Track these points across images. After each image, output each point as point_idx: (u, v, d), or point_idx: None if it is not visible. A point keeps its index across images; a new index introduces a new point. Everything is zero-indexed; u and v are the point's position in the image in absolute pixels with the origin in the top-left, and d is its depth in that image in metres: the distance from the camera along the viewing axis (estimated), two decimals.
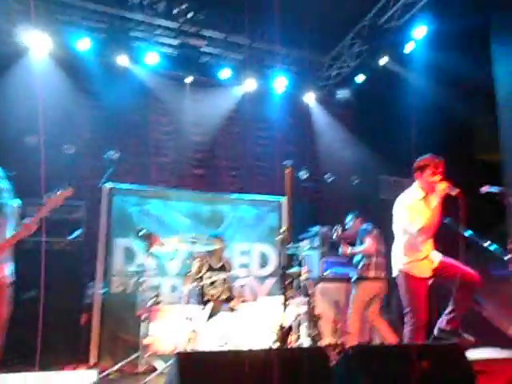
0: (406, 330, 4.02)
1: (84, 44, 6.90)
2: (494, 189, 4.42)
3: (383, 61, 8.03)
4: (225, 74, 7.98)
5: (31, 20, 6.44)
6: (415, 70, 8.36)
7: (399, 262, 4.18)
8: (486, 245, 6.87)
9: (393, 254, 4.31)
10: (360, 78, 8.38)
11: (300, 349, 3.91)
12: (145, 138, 7.81)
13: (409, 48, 7.81)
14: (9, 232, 3.77)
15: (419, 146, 9.01)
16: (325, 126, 8.74)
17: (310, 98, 8.75)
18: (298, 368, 2.72)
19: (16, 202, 3.90)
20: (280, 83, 8.29)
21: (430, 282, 4.18)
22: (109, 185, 6.64)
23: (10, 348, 4.02)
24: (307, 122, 8.78)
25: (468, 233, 7.33)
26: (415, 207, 4.12)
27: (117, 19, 6.99)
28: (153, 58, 7.39)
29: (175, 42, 7.56)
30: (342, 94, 8.63)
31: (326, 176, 8.06)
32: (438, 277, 4.19)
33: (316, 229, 6.82)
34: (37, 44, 6.73)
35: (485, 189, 4.41)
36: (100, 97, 7.26)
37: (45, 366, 4.62)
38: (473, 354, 3.17)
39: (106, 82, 7.15)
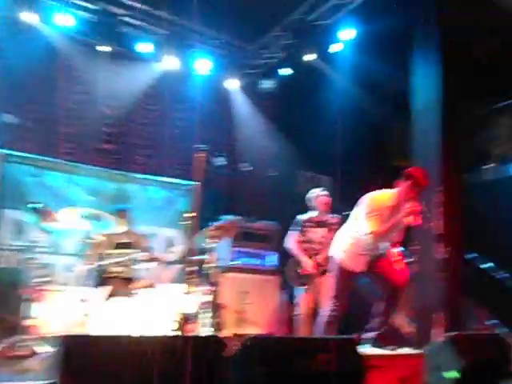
0: (322, 319, 3.99)
1: None
2: None
3: (309, 57, 8.02)
4: (145, 47, 7.52)
5: None
6: (340, 71, 8.48)
7: (340, 247, 4.15)
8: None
9: (339, 235, 4.29)
10: (285, 71, 8.32)
11: (197, 337, 3.81)
12: (51, 105, 7.15)
13: (335, 48, 7.88)
14: None
15: (338, 145, 9.27)
16: (246, 115, 8.60)
17: (233, 85, 8.55)
18: (195, 356, 2.60)
19: None
20: (203, 65, 8.00)
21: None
22: (2, 151, 6.13)
23: None
24: (229, 108, 8.61)
25: None
26: (380, 211, 4.02)
27: None
28: (66, 19, 6.75)
29: (92, 6, 6.97)
30: (267, 84, 8.55)
31: (243, 165, 7.91)
32: (370, 273, 4.19)
33: (229, 217, 6.66)
34: None
35: None
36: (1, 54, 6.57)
37: None
38: (366, 350, 3.32)
39: (9, 39, 6.54)
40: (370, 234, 3.90)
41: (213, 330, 4.83)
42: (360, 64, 8.17)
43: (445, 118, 5.35)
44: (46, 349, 4.49)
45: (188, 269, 4.75)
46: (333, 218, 5.43)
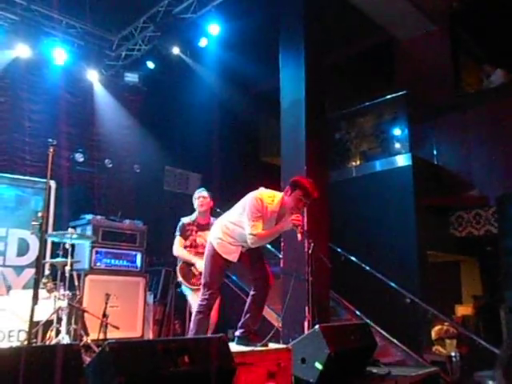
0: (197, 316, 3.94)
1: None
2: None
3: (176, 50, 7.90)
4: None
5: None
6: (208, 66, 8.48)
7: (216, 235, 4.08)
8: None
9: (218, 222, 4.21)
10: (150, 65, 8.13)
11: (46, 346, 3.59)
12: None
13: (203, 43, 7.82)
14: None
15: (207, 141, 9.25)
16: (109, 109, 8.26)
17: (93, 77, 8.14)
18: (47, 367, 2.40)
19: None
20: (60, 55, 7.45)
21: None
22: None
23: None
24: (89, 101, 8.17)
25: None
26: (265, 214, 3.92)
27: None
28: None
29: None
30: (131, 77, 8.24)
31: (105, 161, 7.50)
32: (241, 266, 4.22)
33: (89, 217, 6.27)
34: None
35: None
36: None
37: None
38: (236, 347, 3.35)
39: None
40: (252, 235, 3.84)
41: (72, 337, 4.47)
42: (228, 60, 8.23)
43: (309, 117, 5.50)
44: None
45: (41, 273, 4.34)
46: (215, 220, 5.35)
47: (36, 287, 3.56)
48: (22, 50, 7.14)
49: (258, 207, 3.88)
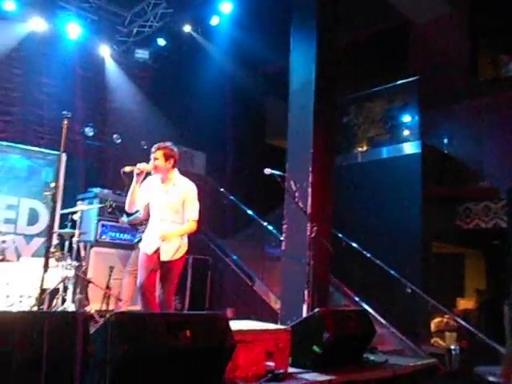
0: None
1: None
2: (276, 172, 4.56)
3: (187, 28, 7.94)
4: (8, 6, 6.96)
5: None
6: (218, 45, 8.46)
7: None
8: (264, 224, 7.35)
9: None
10: (161, 42, 8.18)
11: (58, 312, 3.75)
12: None
13: (214, 21, 7.80)
14: None
15: (213, 120, 9.27)
16: (119, 85, 8.36)
17: (105, 52, 8.24)
18: (56, 332, 2.51)
19: None
20: (73, 29, 7.57)
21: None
22: None
23: None
24: (101, 76, 8.27)
25: (249, 211, 7.79)
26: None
27: None
28: None
29: None
30: (141, 54, 8.30)
31: (114, 136, 7.58)
32: None
33: (97, 190, 6.39)
34: None
35: (267, 170, 4.57)
36: None
37: None
38: (236, 325, 3.33)
39: None
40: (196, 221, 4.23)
41: (77, 305, 4.62)
42: (238, 39, 8.21)
43: (318, 100, 5.42)
44: None
45: (51, 242, 4.48)
46: None
47: (47, 256, 3.69)
48: (37, 24, 7.29)
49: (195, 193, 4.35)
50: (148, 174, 4.23)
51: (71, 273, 4.81)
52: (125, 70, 8.40)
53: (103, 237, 6.20)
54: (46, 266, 3.70)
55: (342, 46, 7.25)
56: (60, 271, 4.80)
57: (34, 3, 7.18)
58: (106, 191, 6.42)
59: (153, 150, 4.21)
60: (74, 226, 5.09)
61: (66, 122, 4.03)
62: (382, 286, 6.74)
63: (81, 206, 5.23)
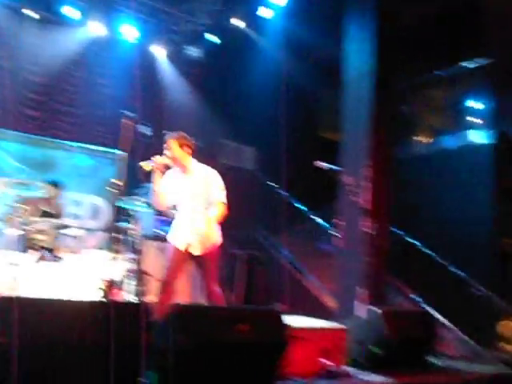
0: None
1: None
2: (328, 166, 4.48)
3: (237, 23, 7.97)
4: (72, 13, 7.43)
5: None
6: (271, 38, 8.41)
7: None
8: (316, 219, 7.28)
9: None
10: (213, 38, 8.33)
11: (124, 303, 3.88)
12: None
13: (266, 14, 7.80)
14: None
15: (264, 114, 9.24)
16: (173, 83, 8.59)
17: (159, 52, 8.51)
18: (122, 321, 2.73)
19: None
20: (129, 31, 7.92)
21: None
22: None
23: None
24: (155, 76, 8.55)
25: (301, 206, 7.74)
26: None
27: None
28: None
29: None
30: (193, 51, 8.47)
31: (165, 135, 7.75)
32: None
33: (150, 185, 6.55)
34: None
35: (320, 164, 4.47)
36: None
37: None
38: (290, 321, 3.27)
39: None
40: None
41: (137, 297, 4.84)
42: (290, 30, 8.12)
43: (376, 89, 5.21)
44: None
45: (113, 236, 4.66)
46: None
47: (111, 249, 3.84)
48: (96, 28, 7.71)
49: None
50: (166, 168, 4.18)
51: (130, 265, 5.00)
52: (178, 68, 8.64)
53: (159, 231, 6.32)
54: (110, 259, 3.85)
55: (400, 26, 6.69)
56: (120, 264, 5.01)
57: (93, 9, 7.58)
58: None
59: (166, 141, 4.19)
60: (130, 221, 5.22)
61: (127, 121, 4.14)
62: (444, 285, 6.40)
63: (137, 202, 5.37)
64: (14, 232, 5.01)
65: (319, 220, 7.30)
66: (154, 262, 5.80)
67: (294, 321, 3.42)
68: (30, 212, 5.32)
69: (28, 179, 5.56)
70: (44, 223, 5.40)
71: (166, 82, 8.54)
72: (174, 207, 4.42)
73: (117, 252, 5.03)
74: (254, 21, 8.07)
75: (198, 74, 8.94)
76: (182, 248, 4.07)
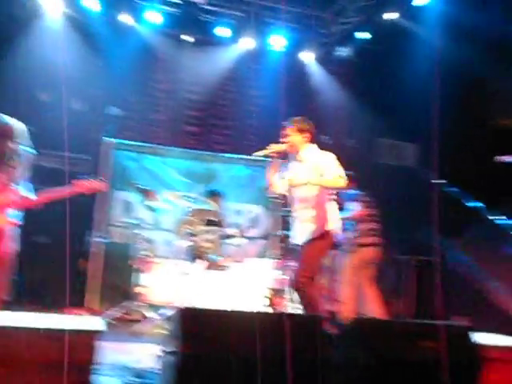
0: None
1: (93, 3, 7.19)
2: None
3: (390, 15, 7.72)
4: (224, 31, 7.92)
5: None
6: (426, 25, 7.90)
7: None
8: (496, 219, 6.73)
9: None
10: (363, 35, 8.17)
11: (301, 315, 3.71)
12: (144, 96, 7.96)
13: (421, 1, 7.46)
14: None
15: (424, 107, 8.88)
16: (324, 86, 8.62)
17: (309, 56, 8.60)
18: (299, 333, 2.66)
19: (32, 152, 4.07)
20: (278, 41, 8.16)
21: None
22: (109, 140, 6.94)
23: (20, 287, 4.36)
24: (306, 81, 8.66)
25: (475, 205, 7.28)
26: None
27: None
28: (154, 16, 7.52)
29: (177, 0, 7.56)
30: (343, 51, 8.44)
31: (322, 137, 8.00)
32: None
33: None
34: (51, 5, 7.13)
35: (502, 158, 4.24)
36: (105, 54, 7.45)
37: (45, 306, 4.95)
38: (483, 339, 2.94)
39: (112, 40, 7.44)
40: None
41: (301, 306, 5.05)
42: (450, 14, 7.40)
43: None
44: (154, 315, 5.09)
45: (274, 244, 4.91)
46: None
47: (275, 257, 4.07)
48: (246, 43, 8.09)
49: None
50: (284, 157, 3.98)
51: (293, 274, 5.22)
52: (328, 70, 8.65)
53: None
54: (273, 267, 4.14)
55: None
56: (283, 271, 5.13)
57: (243, 25, 7.97)
58: None
59: (284, 128, 4.01)
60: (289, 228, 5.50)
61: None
62: None
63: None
64: (183, 243, 5.43)
65: (499, 219, 6.72)
66: None
67: (484, 338, 3.01)
68: (197, 223, 5.77)
69: (193, 192, 6.03)
70: (210, 233, 5.78)
71: (317, 85, 8.59)
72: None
73: (279, 260, 5.24)
74: (407, 10, 7.67)
75: (348, 73, 8.82)
76: (301, 243, 3.94)
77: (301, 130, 4.03)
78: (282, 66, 8.40)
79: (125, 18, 7.52)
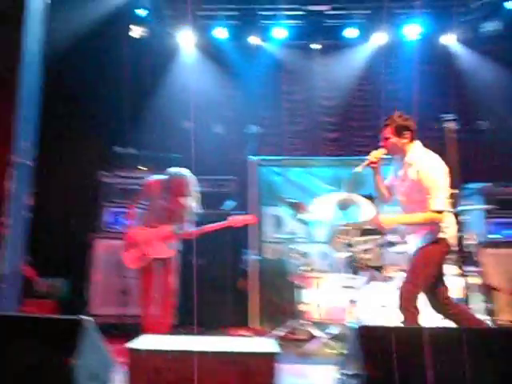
0: None
1: (221, 32, 7.72)
2: None
3: None
4: (351, 32, 7.76)
5: (179, 21, 7.65)
6: None
7: None
8: None
9: None
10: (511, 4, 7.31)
11: (491, 329, 3.62)
12: (279, 110, 8.11)
13: None
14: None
15: None
16: (471, 67, 7.88)
17: (450, 39, 7.93)
18: (489, 350, 2.47)
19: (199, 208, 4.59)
20: (413, 30, 7.68)
21: None
22: (253, 158, 7.07)
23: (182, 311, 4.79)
24: (448, 66, 8.02)
25: None
26: None
27: (246, 3, 7.55)
28: (280, 32, 7.74)
29: (300, 12, 7.63)
30: (490, 26, 7.64)
31: (479, 123, 7.25)
32: None
33: (475, 185, 6.17)
34: (184, 40, 7.81)
35: None
36: (238, 77, 7.86)
37: (208, 328, 5.32)
38: None
39: (243, 62, 7.86)
40: None
41: (488, 316, 4.51)
42: None
43: None
44: (321, 333, 4.87)
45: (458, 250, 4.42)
46: None
47: (456, 264, 4.00)
48: (378, 38, 7.78)
49: None
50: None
51: (471, 280, 4.68)
52: (474, 50, 7.93)
53: (495, 236, 5.78)
54: (457, 275, 3.74)
55: None
56: (459, 278, 4.61)
57: (372, 22, 7.69)
58: (488, 185, 6.11)
59: (382, 129, 3.69)
60: (461, 229, 4.97)
61: (450, 123, 4.07)
62: None
63: (465, 206, 5.03)
64: (341, 255, 5.20)
65: None
66: (497, 273, 5.34)
67: None
68: (353, 232, 5.41)
69: None
70: (368, 242, 5.48)
71: (466, 68, 7.91)
72: None
73: (456, 266, 4.64)
74: None
75: (499, 49, 7.96)
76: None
77: (398, 128, 3.66)
78: (419, 55, 7.88)
79: (252, 40, 7.86)
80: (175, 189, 4.50)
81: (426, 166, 3.50)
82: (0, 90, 3.51)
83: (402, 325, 3.38)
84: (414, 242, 3.70)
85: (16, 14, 3.57)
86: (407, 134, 3.62)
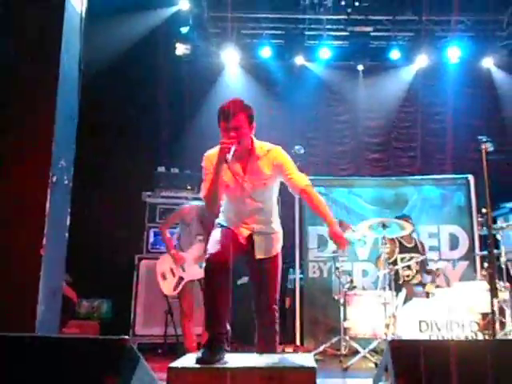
0: None
1: (266, 51, 7.86)
2: None
3: None
4: (395, 54, 7.97)
5: (224, 39, 7.77)
6: None
7: None
8: None
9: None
10: None
11: (502, 341, 3.64)
12: (324, 130, 8.35)
13: None
14: None
15: None
16: (510, 90, 8.08)
17: (489, 63, 8.16)
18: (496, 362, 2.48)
19: None
20: (453, 53, 7.91)
21: None
22: None
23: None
24: (487, 89, 8.22)
25: None
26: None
27: (291, 23, 7.77)
28: (325, 52, 7.89)
29: (345, 33, 7.88)
30: None
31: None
32: None
33: (510, 205, 6.38)
34: (229, 59, 7.93)
35: None
36: (284, 97, 8.02)
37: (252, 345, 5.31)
38: None
39: (288, 82, 8.05)
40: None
41: None
42: None
43: None
44: (363, 349, 5.15)
45: (490, 266, 4.59)
46: None
47: (490, 281, 4.02)
48: (420, 61, 8.04)
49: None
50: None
51: (506, 295, 4.86)
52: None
53: None
54: (489, 291, 3.94)
55: None
56: (494, 294, 4.44)
57: (415, 43, 7.97)
58: None
59: (228, 113, 2.99)
60: (497, 246, 5.08)
61: (485, 145, 4.22)
62: None
63: (501, 224, 5.30)
64: (382, 272, 5.37)
65: None
66: None
67: None
68: (394, 250, 5.75)
69: (386, 219, 6.05)
70: (407, 260, 5.76)
71: (502, 91, 8.13)
72: None
73: (489, 281, 5.04)
74: None
75: None
76: None
77: (251, 118, 3.21)
78: (460, 78, 8.18)
79: (297, 60, 8.04)
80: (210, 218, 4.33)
81: (274, 149, 3.37)
82: (39, 107, 3.38)
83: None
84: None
85: (55, 29, 3.44)
86: (254, 124, 3.24)
